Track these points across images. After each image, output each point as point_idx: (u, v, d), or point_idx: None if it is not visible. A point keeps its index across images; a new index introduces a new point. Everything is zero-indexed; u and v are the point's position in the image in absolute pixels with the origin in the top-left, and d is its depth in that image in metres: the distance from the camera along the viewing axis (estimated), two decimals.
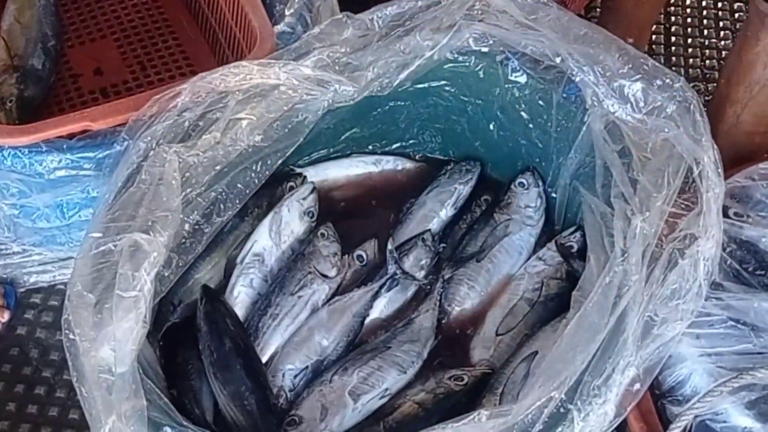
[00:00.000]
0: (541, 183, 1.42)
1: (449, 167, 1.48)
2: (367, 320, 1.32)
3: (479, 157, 1.48)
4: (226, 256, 1.36)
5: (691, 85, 1.24)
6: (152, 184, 1.18)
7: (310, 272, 1.33)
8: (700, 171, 1.14)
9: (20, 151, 1.27)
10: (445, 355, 1.31)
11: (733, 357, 1.09)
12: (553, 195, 1.42)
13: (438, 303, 1.32)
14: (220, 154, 1.25)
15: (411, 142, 1.51)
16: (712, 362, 1.09)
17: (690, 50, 1.97)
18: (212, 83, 1.27)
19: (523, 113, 1.40)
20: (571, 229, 1.37)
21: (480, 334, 1.31)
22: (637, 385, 1.03)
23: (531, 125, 1.40)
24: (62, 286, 1.53)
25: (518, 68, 1.37)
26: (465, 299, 1.34)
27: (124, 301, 1.06)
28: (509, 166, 1.46)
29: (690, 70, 1.93)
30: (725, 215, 1.16)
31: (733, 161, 1.32)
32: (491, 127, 1.45)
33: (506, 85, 1.39)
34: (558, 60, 1.29)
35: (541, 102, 1.37)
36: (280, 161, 1.30)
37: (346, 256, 1.37)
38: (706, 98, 1.80)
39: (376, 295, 1.32)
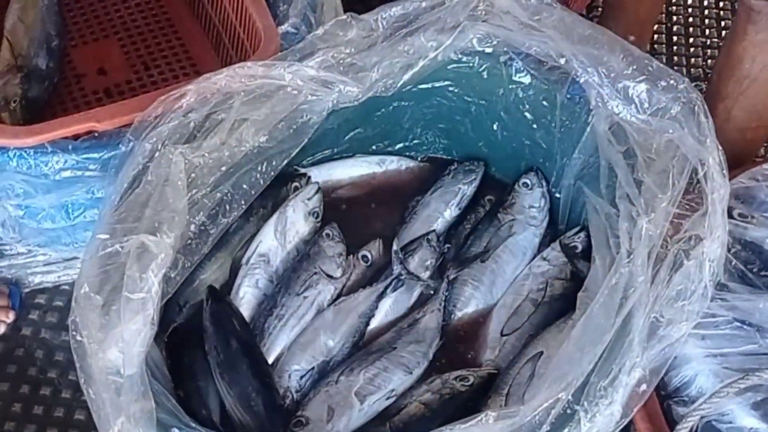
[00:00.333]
0: (544, 183, 1.42)
1: (453, 167, 1.48)
2: (373, 321, 1.32)
3: (483, 157, 1.49)
4: (231, 257, 1.36)
5: (693, 84, 1.24)
6: (158, 185, 1.18)
7: (315, 273, 1.33)
8: (705, 172, 1.14)
9: (25, 152, 1.27)
10: (450, 355, 1.31)
11: (739, 358, 1.09)
12: (557, 195, 1.42)
13: (443, 303, 1.33)
14: (225, 155, 1.26)
15: (415, 142, 1.51)
16: (718, 363, 1.09)
17: (692, 50, 1.98)
18: (217, 84, 1.27)
19: (526, 114, 1.40)
20: (575, 230, 1.37)
21: (485, 334, 1.31)
22: (644, 386, 1.03)
23: (535, 126, 1.41)
24: (67, 287, 1.53)
25: (522, 69, 1.37)
26: (470, 299, 1.34)
27: (132, 302, 1.06)
28: (513, 167, 1.46)
29: (692, 69, 1.94)
30: (729, 216, 1.15)
31: (726, 157, 1.32)
32: (495, 127, 1.45)
33: (510, 86, 1.39)
34: (562, 61, 1.29)
35: (545, 102, 1.37)
36: (285, 162, 1.31)
37: (351, 256, 1.38)
38: None
39: (381, 296, 1.33)
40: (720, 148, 1.15)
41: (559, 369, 1.03)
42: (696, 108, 1.20)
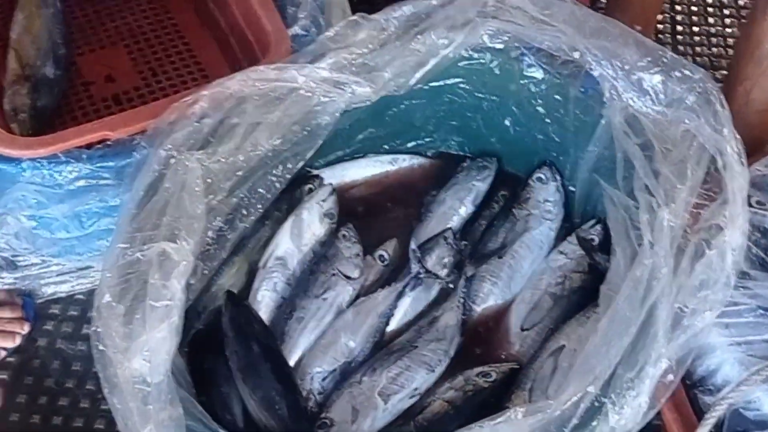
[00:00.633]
0: (558, 177, 1.42)
1: (466, 164, 1.48)
2: (392, 320, 1.32)
3: (496, 153, 1.48)
4: (248, 261, 1.36)
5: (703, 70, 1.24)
6: (175, 192, 1.18)
7: (333, 274, 1.33)
8: (723, 162, 1.14)
9: (39, 162, 1.27)
10: (471, 352, 1.31)
11: (764, 345, 1.09)
12: (572, 189, 1.42)
13: (462, 301, 1.32)
14: (240, 159, 1.25)
15: (427, 140, 1.51)
16: (743, 351, 1.09)
17: (696, 38, 1.98)
18: (230, 89, 1.27)
19: (539, 108, 1.40)
20: (591, 222, 1.37)
21: (505, 329, 1.31)
22: (670, 377, 1.03)
23: (548, 120, 1.40)
24: (81, 296, 1.53)
25: (534, 64, 1.37)
26: (488, 296, 1.34)
27: (157, 310, 1.05)
28: (526, 162, 1.46)
29: (697, 58, 1.94)
30: (748, 204, 1.15)
31: (745, 141, 1.31)
32: (507, 122, 1.45)
33: (522, 81, 1.39)
34: (575, 55, 1.29)
35: (557, 97, 1.37)
36: (300, 164, 1.30)
37: (368, 256, 1.38)
38: None
39: (400, 295, 1.32)
40: (738, 137, 1.15)
41: (586, 363, 1.03)
42: (711, 98, 1.19)
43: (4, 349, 1.47)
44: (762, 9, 1.38)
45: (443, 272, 1.35)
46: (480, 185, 1.45)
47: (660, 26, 1.99)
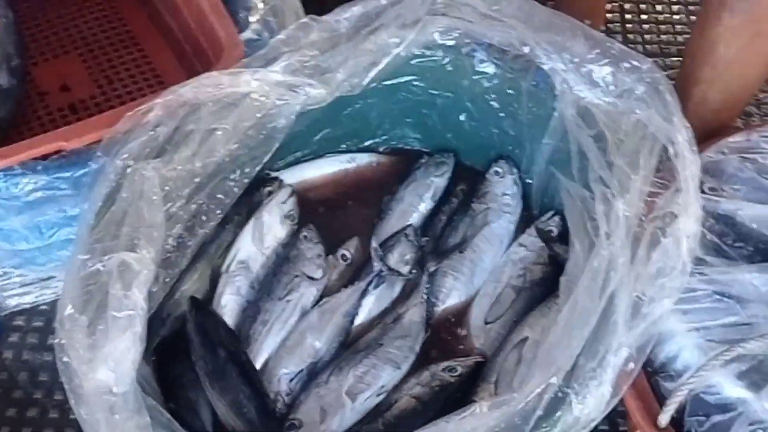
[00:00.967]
0: (515, 170, 1.44)
1: (423, 161, 1.49)
2: (357, 318, 1.33)
3: (453, 148, 1.50)
4: (210, 266, 1.35)
5: (652, 61, 1.25)
6: (133, 201, 1.17)
7: (296, 276, 1.34)
8: (675, 150, 1.16)
9: None
10: (437, 347, 1.32)
11: (721, 330, 1.11)
12: (529, 181, 1.44)
13: (425, 296, 1.34)
14: (197, 166, 1.25)
15: (384, 138, 1.52)
16: (701, 336, 1.11)
17: (645, 26, 2.00)
18: (184, 96, 1.27)
19: (493, 103, 1.41)
20: (549, 214, 1.39)
21: (469, 324, 1.33)
22: (631, 365, 1.05)
23: (502, 114, 1.42)
24: (45, 306, 1.53)
25: (485, 59, 1.38)
26: (451, 290, 1.35)
27: (119, 321, 1.05)
28: (483, 155, 1.48)
29: (647, 46, 1.96)
30: (701, 190, 1.17)
31: (701, 137, 1.33)
32: (462, 118, 1.46)
33: (474, 77, 1.40)
34: (525, 49, 1.30)
35: (510, 91, 1.38)
36: (257, 168, 1.31)
37: (330, 256, 1.38)
38: (666, 73, 1.82)
39: (363, 293, 1.33)
40: (688, 125, 1.17)
41: (548, 354, 1.05)
42: (661, 87, 1.21)
43: None
44: (716, 13, 1.39)
45: (405, 269, 1.36)
46: (438, 181, 1.46)
47: (609, 15, 2.01)
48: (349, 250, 1.39)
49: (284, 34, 1.34)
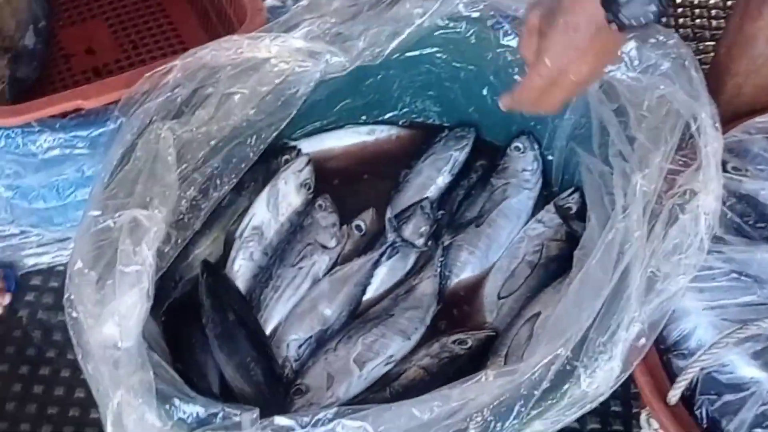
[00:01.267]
0: (536, 146, 1.42)
1: (444, 134, 1.47)
2: (369, 289, 1.32)
3: (474, 122, 1.48)
4: (224, 231, 1.35)
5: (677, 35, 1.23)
6: (147, 161, 1.18)
7: (309, 244, 1.33)
8: (698, 126, 1.13)
9: (13, 131, 1.27)
10: (448, 320, 1.31)
11: (737, 309, 1.08)
12: (550, 157, 1.42)
13: (439, 269, 1.32)
14: (214, 129, 1.25)
15: (404, 110, 1.51)
16: (716, 315, 1.09)
17: (680, 10, 1.97)
18: (203, 59, 1.26)
19: (516, 77, 1.38)
20: (569, 191, 1.37)
21: (482, 298, 1.31)
22: (643, 340, 1.03)
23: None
24: (61, 267, 1.53)
25: (510, 32, 1.36)
26: (465, 264, 1.34)
27: (127, 276, 1.05)
28: (504, 131, 1.46)
29: (680, 30, 1.93)
30: (724, 170, 1.15)
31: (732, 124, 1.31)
32: (485, 92, 1.44)
33: (498, 50, 1.38)
34: None
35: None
36: (274, 134, 1.30)
37: (345, 226, 1.37)
38: (698, 57, 1.79)
39: (376, 264, 1.32)
40: (712, 101, 1.15)
41: (557, 326, 1.03)
42: (686, 63, 1.19)
43: None
44: (756, 8, 1.35)
45: (420, 241, 1.35)
46: (457, 155, 1.44)
47: None
48: (364, 220, 1.38)
49: (307, 1, 1.33)
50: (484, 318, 1.29)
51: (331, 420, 0.98)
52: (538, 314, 1.23)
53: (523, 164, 1.41)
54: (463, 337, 1.24)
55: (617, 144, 1.18)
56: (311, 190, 1.40)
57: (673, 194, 1.10)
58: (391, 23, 1.33)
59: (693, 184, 1.10)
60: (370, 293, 1.32)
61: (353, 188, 1.46)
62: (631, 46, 1.22)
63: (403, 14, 1.32)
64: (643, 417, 1.11)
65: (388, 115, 1.51)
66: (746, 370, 1.04)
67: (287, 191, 1.38)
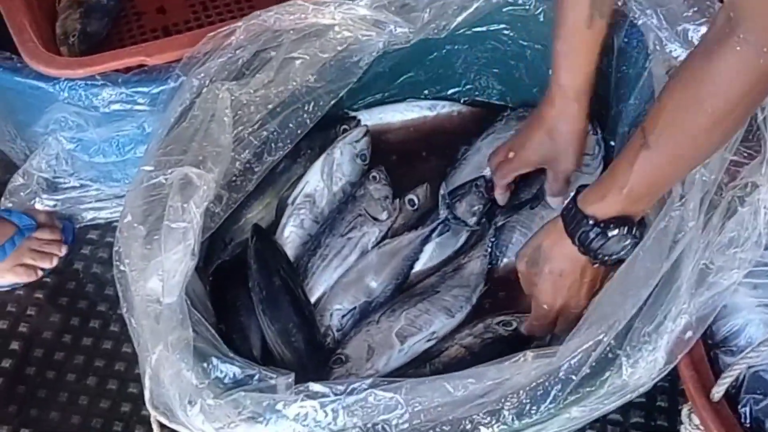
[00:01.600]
0: (599, 131, 1.39)
1: (506, 113, 1.45)
2: (417, 265, 1.31)
3: (537, 103, 1.45)
4: (277, 197, 1.36)
5: None
6: (204, 120, 1.18)
7: (360, 215, 1.32)
8: (764, 117, 1.10)
9: (76, 83, 1.28)
10: (494, 301, 1.29)
11: None
12: (611, 143, 1.38)
13: (489, 249, 1.31)
14: (272, 93, 1.25)
15: (467, 87, 1.49)
16: None
17: None
18: (267, 22, 1.27)
19: None
20: None
21: None
22: (689, 333, 1.00)
23: None
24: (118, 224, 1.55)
25: None
26: (517, 246, 1.31)
27: (174, 232, 1.06)
28: None
29: None
30: None
31: None
32: (550, 72, 1.41)
33: None
34: (619, 3, 1.26)
35: None
36: (332, 102, 1.30)
37: (398, 200, 1.36)
38: None
39: (426, 240, 1.31)
40: None
41: (600, 311, 1.01)
42: None
43: (42, 269, 1.50)
44: None
45: (472, 220, 1.33)
46: None
47: None
48: (417, 195, 1.37)
49: None
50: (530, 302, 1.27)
51: (364, 390, 0.98)
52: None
53: (585, 149, 1.37)
54: (509, 319, 1.22)
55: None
56: (367, 162, 1.39)
57: (733, 186, 1.07)
58: None
59: (755, 177, 1.07)
60: (418, 268, 1.31)
61: (409, 163, 1.45)
62: (702, 32, 1.18)
63: None
64: (684, 412, 1.08)
65: (450, 92, 1.49)
66: None
67: (342, 161, 1.37)
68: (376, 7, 1.29)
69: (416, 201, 1.36)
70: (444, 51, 1.42)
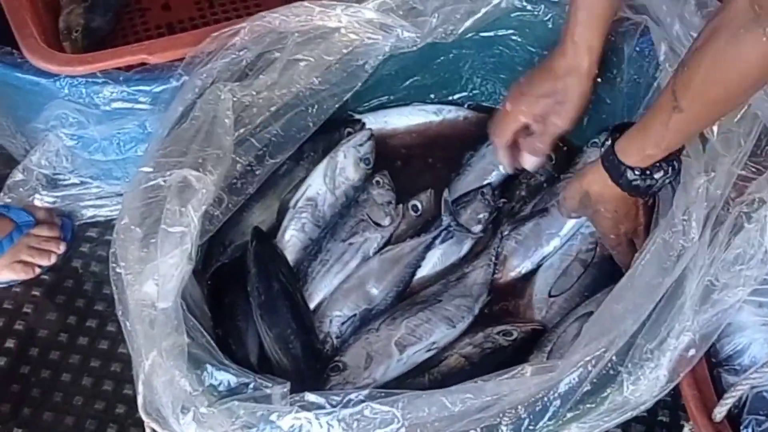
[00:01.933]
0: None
1: None
2: (419, 272, 1.29)
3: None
4: (279, 200, 1.34)
5: None
6: (205, 121, 1.17)
7: (362, 220, 1.31)
8: None
9: (78, 80, 1.27)
10: (496, 312, 1.27)
11: None
12: None
13: (493, 259, 1.29)
14: (275, 95, 1.24)
15: (474, 92, 1.47)
16: None
17: None
18: (272, 23, 1.25)
19: None
20: None
21: (532, 294, 1.27)
22: (692, 351, 0.99)
23: (599, 79, 1.35)
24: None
25: None
26: (522, 258, 1.29)
27: (170, 236, 1.05)
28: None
29: None
30: None
31: None
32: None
33: None
34: (632, 11, 1.24)
35: (611, 55, 1.31)
36: (336, 106, 1.29)
37: (401, 205, 1.34)
38: None
39: (429, 247, 1.29)
40: None
41: (599, 324, 0.99)
42: None
43: (39, 266, 1.49)
44: None
45: (477, 228, 1.31)
46: None
47: None
48: (421, 201, 1.35)
49: None
50: (532, 315, 1.25)
51: (361, 402, 0.96)
52: (590, 313, 1.18)
53: (594, 157, 1.35)
54: (509, 329, 1.20)
55: (687, 144, 1.12)
56: (370, 166, 1.37)
57: (740, 202, 1.05)
58: (467, 1, 1.30)
59: (763, 193, 1.05)
60: (420, 276, 1.30)
61: (414, 168, 1.43)
62: None
63: None
64: (686, 431, 1.06)
65: (456, 96, 1.48)
66: None
67: (346, 164, 1.35)
68: (384, 11, 1.27)
69: (419, 207, 1.35)
70: (451, 55, 1.40)
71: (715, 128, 1.09)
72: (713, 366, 1.06)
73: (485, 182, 1.37)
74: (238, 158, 1.21)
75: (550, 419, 0.97)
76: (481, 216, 1.33)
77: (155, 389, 1.00)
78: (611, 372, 0.98)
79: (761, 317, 1.05)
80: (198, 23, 1.63)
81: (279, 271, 1.25)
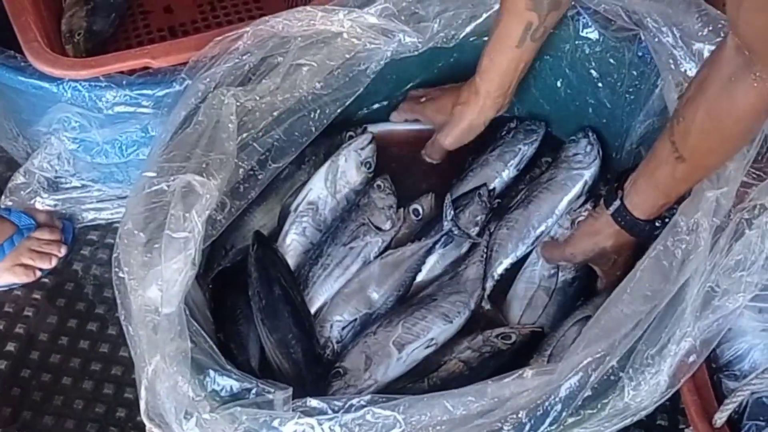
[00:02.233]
0: (593, 136, 1.37)
1: (513, 125, 1.43)
2: (419, 275, 1.30)
3: (544, 114, 1.44)
4: (280, 204, 1.34)
5: None
6: (208, 126, 1.17)
7: (363, 224, 1.31)
8: None
9: (80, 84, 1.27)
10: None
11: None
12: (617, 156, 1.37)
13: (485, 255, 1.30)
14: (278, 99, 1.24)
15: None
16: None
17: None
18: (275, 27, 1.26)
19: (592, 71, 1.35)
20: None
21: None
22: (693, 357, 0.99)
23: (600, 84, 1.36)
24: (119, 225, 1.53)
25: (590, 24, 1.32)
26: (512, 248, 1.31)
27: (174, 241, 1.05)
28: (574, 126, 1.41)
29: None
30: None
31: None
32: (559, 84, 1.40)
33: (576, 42, 1.34)
34: (633, 19, 1.24)
35: (612, 60, 1.32)
36: (339, 110, 1.29)
37: (402, 209, 1.35)
38: None
39: (430, 251, 1.30)
40: None
41: (599, 327, 0.99)
42: None
43: (40, 269, 1.49)
44: None
45: (474, 231, 1.32)
46: (526, 149, 1.40)
47: None
48: (422, 205, 1.35)
49: None
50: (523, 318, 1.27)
51: (363, 407, 0.97)
52: (588, 317, 1.19)
53: (576, 149, 1.36)
54: (508, 332, 1.21)
55: None
56: (371, 170, 1.38)
57: (741, 208, 1.06)
58: (468, 6, 1.31)
59: (764, 200, 1.05)
60: (419, 279, 1.30)
61: (416, 172, 1.43)
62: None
63: None
64: None
65: None
66: None
67: (347, 168, 1.36)
68: (386, 16, 1.28)
69: (420, 211, 1.35)
70: (452, 59, 1.41)
71: None
72: (713, 371, 1.07)
73: (482, 183, 1.37)
74: (240, 163, 1.21)
75: (551, 424, 0.97)
76: (478, 218, 1.33)
77: (158, 394, 1.00)
78: (612, 377, 0.99)
79: (761, 323, 1.06)
80: (200, 26, 1.64)
81: (280, 276, 1.25)
